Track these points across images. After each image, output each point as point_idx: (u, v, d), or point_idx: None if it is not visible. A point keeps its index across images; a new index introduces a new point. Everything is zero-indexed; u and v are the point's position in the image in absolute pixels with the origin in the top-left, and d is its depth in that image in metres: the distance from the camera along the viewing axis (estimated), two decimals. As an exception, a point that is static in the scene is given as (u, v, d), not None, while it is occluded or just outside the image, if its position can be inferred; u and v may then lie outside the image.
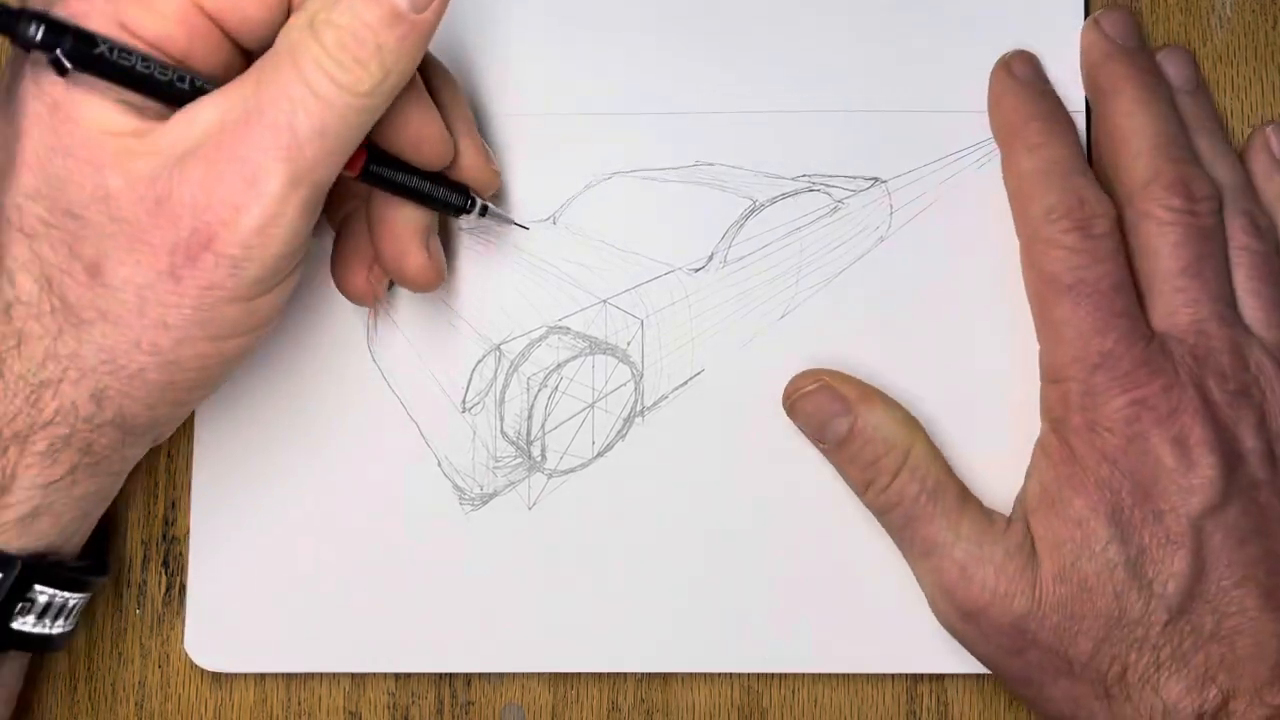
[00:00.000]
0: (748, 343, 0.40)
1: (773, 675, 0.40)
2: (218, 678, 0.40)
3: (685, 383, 0.40)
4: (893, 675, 0.40)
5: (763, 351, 0.40)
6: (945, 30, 0.41)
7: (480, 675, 0.40)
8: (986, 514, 0.38)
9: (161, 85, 0.30)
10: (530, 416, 0.40)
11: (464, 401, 0.40)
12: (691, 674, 0.40)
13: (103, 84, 0.30)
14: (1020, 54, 0.40)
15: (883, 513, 0.38)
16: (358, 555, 0.40)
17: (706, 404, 0.40)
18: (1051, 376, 0.37)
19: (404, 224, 0.35)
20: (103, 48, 0.29)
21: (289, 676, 0.40)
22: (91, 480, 0.33)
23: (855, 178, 0.41)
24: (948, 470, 0.38)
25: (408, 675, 0.40)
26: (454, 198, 0.36)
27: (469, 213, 0.37)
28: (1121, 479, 0.35)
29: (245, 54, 0.32)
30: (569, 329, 0.40)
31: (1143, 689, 0.35)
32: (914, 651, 0.39)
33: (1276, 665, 0.34)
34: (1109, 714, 0.35)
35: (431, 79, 0.36)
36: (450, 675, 0.40)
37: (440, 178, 0.36)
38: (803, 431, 0.39)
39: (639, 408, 0.40)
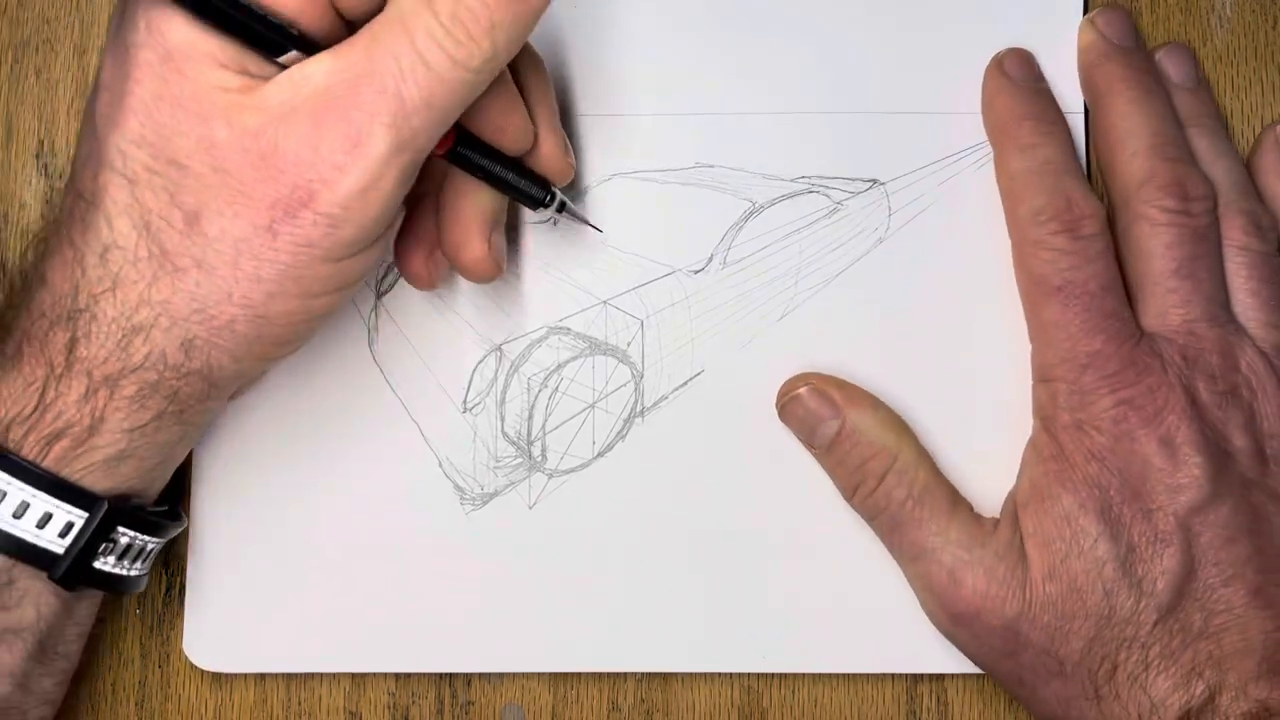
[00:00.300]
0: (747, 344, 0.40)
1: (773, 675, 0.40)
2: (218, 678, 0.40)
3: (685, 383, 0.40)
4: (893, 675, 0.40)
5: (762, 352, 0.40)
6: (944, 31, 0.41)
7: (480, 675, 0.40)
8: (975, 517, 0.38)
9: (271, 29, 0.31)
10: (531, 417, 0.40)
11: (465, 402, 0.40)
12: (691, 674, 0.40)
13: (210, 40, 0.30)
14: (1013, 52, 0.40)
15: (871, 517, 0.38)
16: (358, 555, 0.40)
17: (706, 404, 0.40)
18: (1041, 376, 0.37)
19: (472, 212, 0.36)
20: None
21: (289, 676, 0.40)
22: (175, 428, 0.34)
23: (854, 179, 0.41)
24: (936, 474, 0.38)
25: (408, 675, 0.40)
26: (534, 189, 0.36)
27: (547, 206, 0.37)
28: (1110, 477, 0.35)
29: (348, 24, 0.33)
30: (569, 330, 0.40)
31: (1131, 687, 0.35)
32: (914, 651, 0.39)
33: (1263, 660, 0.34)
34: (1099, 714, 0.35)
35: (520, 64, 0.36)
36: (450, 675, 0.40)
37: (522, 167, 0.36)
38: (795, 435, 0.39)
39: (639, 408, 0.40)
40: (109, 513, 0.33)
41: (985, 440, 0.39)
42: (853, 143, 0.40)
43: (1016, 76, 0.39)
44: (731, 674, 0.40)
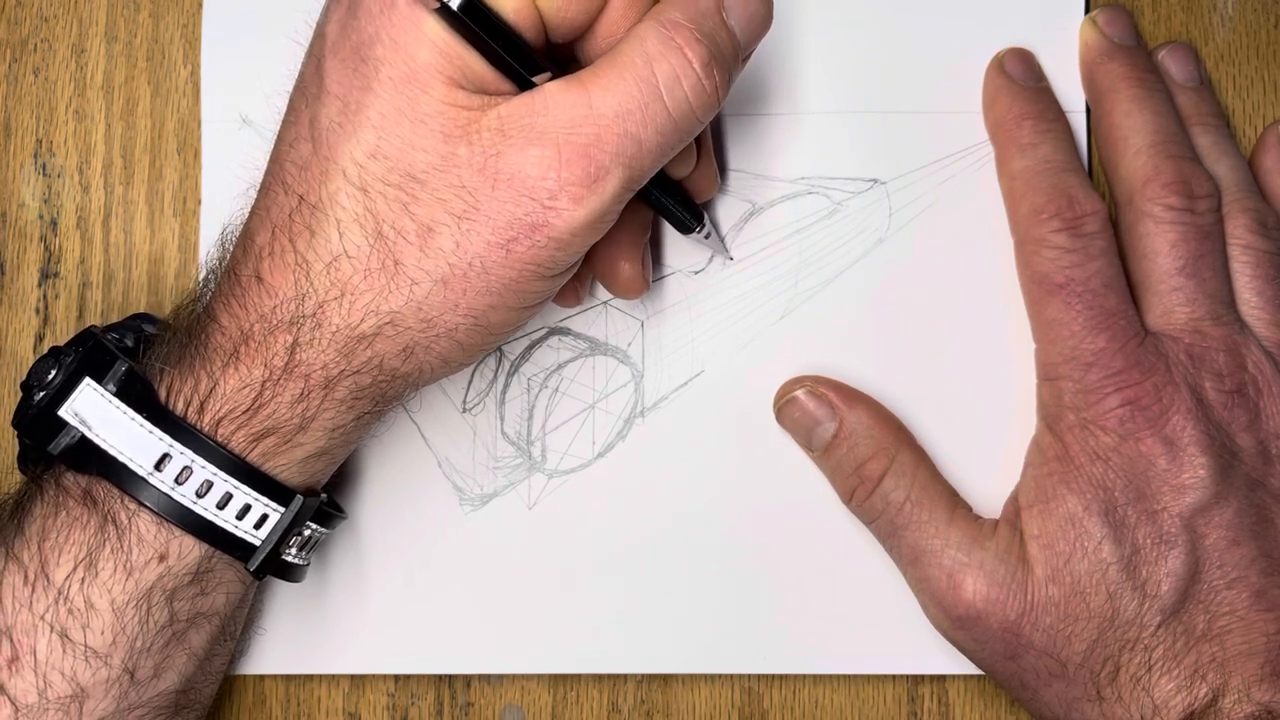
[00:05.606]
0: (747, 344, 0.40)
1: (773, 676, 0.40)
2: (218, 678, 0.40)
3: (685, 383, 0.40)
4: (894, 676, 0.40)
5: (762, 352, 0.40)
6: (944, 31, 0.41)
7: (480, 676, 0.40)
8: (975, 519, 0.37)
9: (521, 53, 0.31)
10: (531, 417, 0.40)
11: (464, 402, 0.40)
12: (692, 675, 0.40)
13: (455, 61, 0.31)
14: (1014, 51, 0.40)
15: (869, 520, 0.38)
16: (358, 556, 0.40)
17: (706, 404, 0.40)
18: (1046, 375, 0.37)
19: (626, 231, 0.36)
20: (488, 6, 0.31)
21: (288, 677, 0.40)
22: (365, 428, 0.35)
23: (855, 179, 0.40)
24: (935, 476, 0.38)
25: (407, 676, 0.40)
26: (689, 217, 0.37)
27: (698, 233, 0.38)
28: (1114, 477, 0.35)
29: (549, 43, 0.33)
30: (570, 330, 0.40)
31: (1134, 689, 0.35)
32: (915, 652, 0.39)
33: (1265, 663, 0.34)
34: (1100, 715, 0.35)
35: None
36: (450, 676, 0.40)
37: (679, 191, 0.37)
38: (793, 438, 0.39)
39: (639, 408, 0.40)
40: (302, 507, 0.34)
41: (984, 441, 0.39)
42: (853, 143, 0.40)
43: (1017, 76, 0.39)
44: (732, 675, 0.40)
